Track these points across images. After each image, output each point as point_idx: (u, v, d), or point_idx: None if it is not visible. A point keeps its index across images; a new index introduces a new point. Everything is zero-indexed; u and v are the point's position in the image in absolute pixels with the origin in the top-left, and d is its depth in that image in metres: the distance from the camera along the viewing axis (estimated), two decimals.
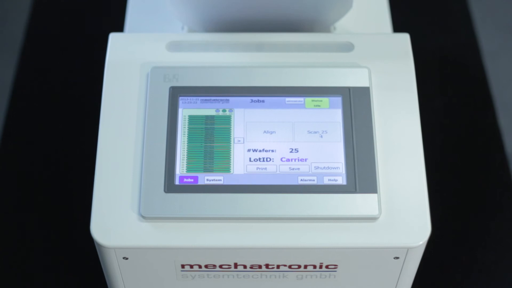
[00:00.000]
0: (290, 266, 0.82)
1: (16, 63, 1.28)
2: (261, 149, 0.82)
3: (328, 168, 0.81)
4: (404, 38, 0.89)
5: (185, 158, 0.81)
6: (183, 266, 0.82)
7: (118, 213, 0.80)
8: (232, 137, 0.82)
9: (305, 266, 0.82)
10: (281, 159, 0.81)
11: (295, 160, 0.81)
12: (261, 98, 0.84)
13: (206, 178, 0.80)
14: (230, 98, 0.84)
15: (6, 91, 1.30)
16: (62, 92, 1.22)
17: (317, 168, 0.81)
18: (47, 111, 1.20)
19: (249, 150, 0.82)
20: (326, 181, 0.80)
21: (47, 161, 1.15)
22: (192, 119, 0.83)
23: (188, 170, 0.81)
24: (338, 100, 0.84)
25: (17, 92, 1.23)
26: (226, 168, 0.81)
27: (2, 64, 1.86)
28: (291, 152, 0.82)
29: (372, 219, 0.79)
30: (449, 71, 1.27)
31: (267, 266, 0.82)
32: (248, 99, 0.84)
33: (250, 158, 0.81)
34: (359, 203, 0.79)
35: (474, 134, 1.20)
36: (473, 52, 1.29)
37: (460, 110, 1.22)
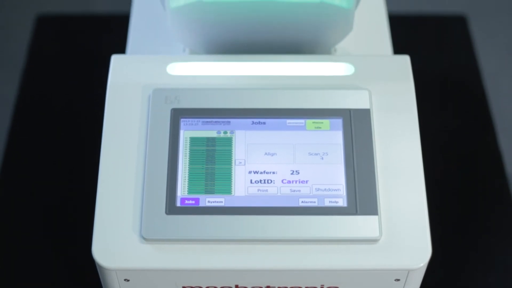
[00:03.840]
0: None
1: (18, 82, 1.28)
2: (262, 171, 0.82)
3: (329, 190, 0.81)
4: (404, 60, 0.90)
5: (186, 180, 0.82)
6: None
7: (120, 235, 0.80)
8: (233, 159, 0.83)
9: None
10: (282, 181, 0.82)
11: (296, 182, 0.82)
12: (262, 120, 0.84)
13: (207, 200, 0.81)
14: (231, 120, 0.84)
15: (8, 111, 1.31)
16: (63, 113, 1.22)
17: (318, 190, 0.81)
18: (48, 131, 1.21)
19: (250, 172, 0.82)
20: (327, 203, 0.81)
21: (48, 181, 1.15)
22: (193, 141, 0.83)
23: (190, 192, 0.81)
24: (338, 122, 0.84)
25: (19, 112, 1.23)
26: (227, 190, 0.81)
27: (4, 83, 1.87)
28: (292, 174, 0.82)
29: (373, 241, 0.80)
30: (449, 92, 1.27)
31: None
32: (249, 121, 0.84)
33: (251, 180, 0.82)
34: (360, 225, 0.80)
35: (475, 155, 1.20)
36: (473, 73, 1.30)
37: (460, 131, 1.22)
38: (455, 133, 1.22)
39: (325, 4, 0.86)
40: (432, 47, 1.33)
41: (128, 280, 0.81)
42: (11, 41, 1.98)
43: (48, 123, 1.21)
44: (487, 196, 1.16)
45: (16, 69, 1.73)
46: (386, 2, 1.07)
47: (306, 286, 0.82)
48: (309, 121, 0.85)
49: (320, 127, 0.84)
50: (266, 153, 0.83)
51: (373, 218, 0.80)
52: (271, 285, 0.82)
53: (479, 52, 1.36)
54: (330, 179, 0.82)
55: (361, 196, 0.81)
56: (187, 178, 0.82)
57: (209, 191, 0.81)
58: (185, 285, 0.82)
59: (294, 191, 0.81)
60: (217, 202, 0.81)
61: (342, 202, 0.81)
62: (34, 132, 1.21)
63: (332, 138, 0.84)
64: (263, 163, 0.83)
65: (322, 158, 0.83)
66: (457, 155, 1.20)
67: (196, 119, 0.84)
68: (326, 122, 0.85)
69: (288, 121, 0.85)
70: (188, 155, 0.83)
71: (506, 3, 2.07)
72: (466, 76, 1.29)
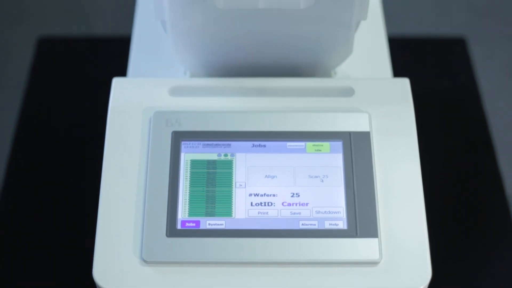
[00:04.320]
0: None
1: (20, 105, 1.29)
2: (263, 193, 0.82)
3: (329, 212, 0.82)
4: (404, 83, 0.90)
5: (187, 202, 0.82)
6: None
7: (120, 257, 0.80)
8: (233, 182, 0.83)
9: None
10: (283, 204, 0.82)
11: (296, 205, 0.82)
12: (262, 143, 0.85)
13: (208, 223, 0.81)
14: (232, 143, 0.85)
15: (9, 133, 1.31)
16: (64, 135, 1.22)
17: (318, 212, 0.82)
18: (49, 154, 1.21)
19: (250, 195, 0.82)
20: (327, 225, 0.81)
21: (49, 203, 1.15)
22: (194, 163, 0.84)
23: (190, 214, 0.81)
24: (338, 144, 0.85)
25: (20, 134, 1.24)
26: (227, 212, 0.81)
27: (6, 105, 1.87)
28: (292, 196, 0.82)
29: (373, 263, 0.80)
30: (449, 114, 1.28)
31: None
32: (250, 143, 0.85)
33: (251, 203, 0.82)
34: (360, 247, 0.80)
35: (475, 176, 1.20)
36: (473, 95, 1.30)
37: (460, 153, 1.23)
38: (455, 155, 1.22)
39: (325, 27, 0.86)
40: (432, 69, 1.33)
41: None
42: (12, 63, 1.99)
43: (49, 146, 1.22)
44: (488, 217, 1.16)
45: (17, 91, 1.74)
46: (385, 25, 1.08)
47: None
48: (309, 144, 0.85)
49: (320, 150, 0.85)
50: (266, 176, 0.83)
51: (373, 241, 0.80)
52: None
53: (478, 74, 1.36)
54: (330, 202, 0.82)
55: (361, 219, 0.81)
56: (187, 200, 0.82)
57: (210, 213, 0.81)
58: None
59: (294, 213, 0.82)
60: (218, 224, 0.81)
61: (342, 224, 0.81)
62: (35, 154, 1.21)
63: (332, 160, 0.84)
64: (263, 185, 0.83)
65: (322, 181, 0.83)
66: (457, 176, 1.20)
67: (196, 142, 0.85)
68: (326, 144, 0.85)
69: (288, 143, 0.85)
70: (188, 177, 0.83)
71: (505, 26, 2.08)
72: (466, 98, 1.30)
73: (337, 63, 0.93)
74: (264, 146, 0.85)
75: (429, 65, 1.34)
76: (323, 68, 0.94)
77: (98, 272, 0.79)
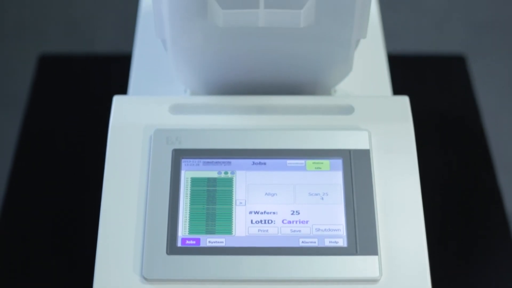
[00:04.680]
0: None
1: (20, 122, 1.29)
2: (263, 211, 0.83)
3: (329, 230, 0.82)
4: (404, 101, 0.90)
5: (187, 220, 0.82)
6: None
7: (121, 275, 0.80)
8: (234, 199, 0.83)
9: None
10: (283, 221, 0.82)
11: (296, 222, 0.82)
12: (262, 161, 0.85)
13: (208, 240, 0.81)
14: (232, 161, 0.85)
15: (10, 150, 1.31)
16: (65, 153, 1.23)
17: (318, 230, 0.82)
18: (50, 171, 1.21)
19: (250, 212, 0.82)
20: (327, 243, 0.81)
21: (50, 220, 1.15)
22: (194, 181, 0.84)
23: (190, 232, 0.81)
24: (338, 162, 0.85)
25: (20, 151, 1.24)
26: (228, 230, 0.82)
27: (7, 122, 1.88)
28: (292, 214, 0.82)
29: (373, 281, 0.80)
30: (449, 131, 1.28)
31: None
32: (250, 161, 0.85)
33: (251, 220, 0.82)
34: (360, 265, 0.80)
35: (474, 194, 1.20)
36: (472, 111, 1.31)
37: (460, 170, 1.23)
38: (455, 172, 1.22)
39: (325, 46, 0.87)
40: (431, 86, 1.34)
41: None
42: (13, 80, 1.99)
43: (50, 162, 1.22)
44: (487, 234, 1.16)
45: (18, 108, 1.74)
46: (385, 43, 1.08)
47: None
48: (309, 162, 0.85)
49: (320, 168, 0.85)
50: (266, 194, 0.84)
51: (373, 258, 0.80)
52: None
53: (478, 92, 1.37)
54: (330, 219, 0.82)
55: (361, 236, 0.81)
56: (188, 218, 0.82)
57: (210, 231, 0.81)
58: None
59: (294, 231, 0.82)
60: (218, 242, 0.81)
61: (342, 242, 0.81)
62: (36, 170, 1.22)
63: (332, 178, 0.84)
64: (263, 203, 0.83)
65: (322, 198, 0.83)
66: (457, 193, 1.20)
67: (197, 160, 0.85)
68: (326, 162, 0.85)
69: (288, 161, 0.85)
70: (189, 195, 0.83)
71: (504, 42, 2.08)
72: (466, 115, 1.30)
73: (336, 81, 0.94)
74: (264, 163, 0.85)
75: (429, 82, 1.34)
76: (323, 86, 0.94)
77: None
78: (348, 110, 0.90)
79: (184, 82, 0.94)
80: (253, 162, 0.85)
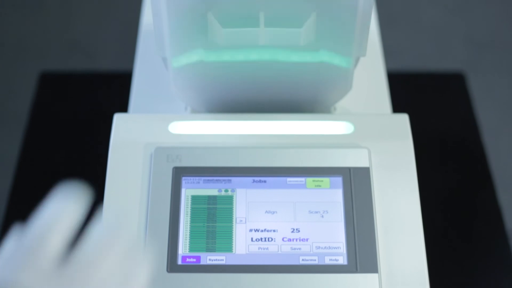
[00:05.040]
0: None
1: (21, 139, 1.29)
2: (263, 229, 0.83)
3: (329, 248, 0.82)
4: (403, 119, 0.91)
5: (188, 238, 0.82)
6: None
7: None
8: (234, 217, 0.83)
9: None
10: (283, 239, 0.82)
11: (296, 240, 0.82)
12: (262, 179, 0.85)
13: (208, 258, 0.81)
14: (232, 178, 0.85)
15: (11, 167, 1.32)
16: (66, 170, 1.23)
17: (318, 248, 0.82)
18: (50, 188, 1.21)
19: (251, 230, 0.82)
20: (327, 261, 0.81)
21: None
22: (194, 199, 0.84)
23: (191, 249, 0.81)
24: (338, 180, 0.85)
25: (21, 168, 1.24)
26: (228, 248, 0.82)
27: (7, 139, 1.88)
28: (292, 232, 0.83)
29: None
30: (449, 149, 1.28)
31: None
32: (250, 179, 0.85)
33: (252, 238, 0.82)
34: (360, 282, 0.80)
35: (475, 211, 1.20)
36: (472, 129, 1.31)
37: (460, 188, 1.23)
38: (455, 190, 1.23)
39: (325, 63, 0.87)
40: (431, 104, 1.34)
41: None
42: (15, 97, 2.00)
43: (50, 180, 1.22)
44: (488, 252, 1.16)
45: (19, 125, 1.74)
46: (385, 61, 1.09)
47: None
48: (309, 179, 0.85)
49: (320, 185, 0.85)
50: (266, 211, 0.84)
51: (373, 276, 0.80)
52: None
53: (477, 109, 1.37)
54: (330, 237, 0.82)
55: (361, 254, 0.81)
56: (188, 236, 0.82)
57: (210, 249, 0.82)
58: None
59: (294, 249, 0.82)
60: (218, 260, 0.81)
61: (342, 260, 0.81)
62: (36, 188, 1.22)
63: (332, 196, 0.84)
64: (263, 221, 0.83)
65: (322, 216, 0.83)
66: (457, 211, 1.20)
67: (197, 178, 0.85)
68: (326, 180, 0.85)
69: (289, 179, 0.85)
70: (189, 213, 0.83)
71: (503, 60, 2.09)
72: (465, 133, 1.30)
73: (336, 99, 0.94)
74: (265, 181, 0.85)
75: (429, 100, 1.35)
76: (323, 104, 0.94)
77: None
78: (348, 128, 0.90)
79: (185, 100, 0.94)
80: (253, 180, 0.85)
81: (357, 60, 0.90)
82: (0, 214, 1.37)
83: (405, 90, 1.34)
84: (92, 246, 0.60)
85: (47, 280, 0.56)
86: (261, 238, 0.82)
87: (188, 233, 0.82)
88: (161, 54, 0.87)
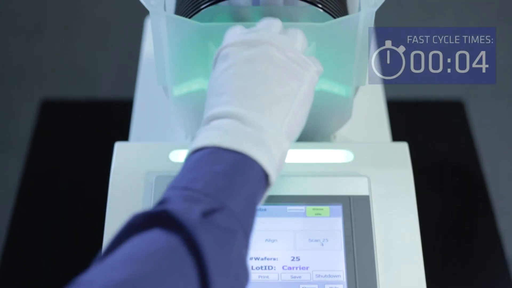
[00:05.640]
0: None
1: (22, 166, 1.29)
2: (263, 257, 0.83)
3: (329, 276, 0.82)
4: (403, 147, 0.91)
5: None
6: None
7: None
8: None
9: None
10: (283, 267, 0.82)
11: (296, 268, 0.82)
12: (263, 207, 0.85)
13: None
14: None
15: (12, 195, 1.32)
16: (66, 198, 1.23)
17: (318, 276, 0.82)
18: (51, 216, 1.21)
19: (251, 258, 0.82)
20: None
21: (51, 264, 1.15)
22: None
23: None
24: (338, 208, 0.85)
25: (22, 196, 1.24)
26: None
27: (9, 166, 1.88)
28: (292, 260, 0.83)
29: None
30: (448, 177, 1.29)
31: None
32: None
33: (252, 266, 0.82)
34: None
35: (474, 238, 1.20)
36: (471, 156, 1.31)
37: (459, 215, 1.23)
38: (455, 217, 1.23)
39: (325, 92, 0.88)
40: (430, 132, 1.34)
41: None
42: (16, 124, 2.00)
43: (51, 208, 1.22)
44: (488, 280, 1.16)
45: (20, 152, 1.75)
46: (384, 89, 1.09)
47: None
48: (309, 208, 0.85)
49: (320, 214, 0.85)
50: (267, 240, 0.84)
51: None
52: None
53: (477, 137, 1.38)
54: (331, 265, 0.82)
55: (361, 282, 0.81)
56: None
57: None
58: None
59: (295, 277, 0.82)
60: None
61: None
62: (37, 216, 1.22)
63: (332, 224, 0.84)
64: (264, 249, 0.83)
65: (323, 245, 0.83)
66: (457, 238, 1.20)
67: None
68: (326, 208, 0.85)
69: (289, 207, 0.85)
70: None
71: (502, 88, 2.10)
72: (465, 161, 1.31)
73: (336, 127, 0.94)
74: (265, 210, 0.85)
75: (428, 128, 1.35)
76: (323, 132, 0.95)
77: None
78: (347, 156, 0.90)
79: (185, 129, 0.95)
80: None
81: (356, 89, 0.91)
82: (1, 241, 1.37)
83: (405, 118, 1.34)
84: None
85: None
86: (261, 267, 0.82)
87: None
88: (162, 83, 0.88)
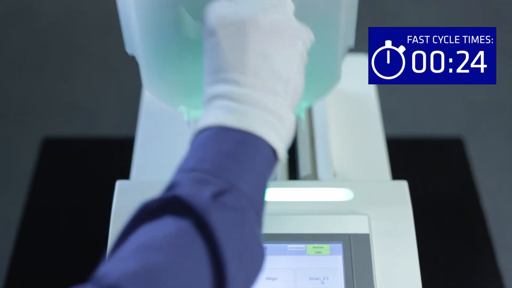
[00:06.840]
0: None
1: (23, 204, 1.30)
2: None
3: None
4: (402, 185, 0.91)
5: None
6: None
7: None
8: None
9: None
10: None
11: None
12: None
13: None
14: None
15: (12, 233, 1.32)
16: (67, 236, 1.23)
17: None
18: (52, 254, 1.21)
19: None
20: None
21: None
22: None
23: None
24: (338, 246, 0.86)
25: (22, 233, 1.24)
26: None
27: (9, 204, 1.88)
28: None
29: None
30: (448, 214, 1.29)
31: None
32: None
33: None
34: None
35: (475, 274, 1.20)
36: (471, 193, 1.31)
37: (460, 253, 1.23)
38: (455, 255, 1.23)
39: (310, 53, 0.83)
40: (430, 169, 1.35)
41: None
42: (17, 162, 2.01)
43: (52, 246, 1.22)
44: None
45: (21, 190, 1.75)
46: (383, 127, 1.10)
47: None
48: (310, 246, 0.86)
49: (320, 252, 0.85)
50: (267, 278, 0.84)
51: None
52: None
53: (477, 174, 1.38)
54: None
55: None
56: None
57: None
58: None
59: None
60: None
61: None
62: (37, 254, 1.22)
63: (332, 262, 0.85)
64: None
65: (323, 283, 0.84)
66: (458, 276, 1.20)
67: None
68: (326, 247, 0.86)
69: (289, 246, 0.86)
70: None
71: (502, 124, 2.11)
72: (465, 198, 1.31)
73: (324, 91, 0.92)
74: (265, 248, 0.85)
75: (427, 165, 1.36)
76: (311, 96, 0.91)
77: None
78: (347, 194, 0.91)
79: (160, 98, 0.92)
80: None
81: (345, 51, 0.89)
82: (1, 277, 1.37)
83: (404, 156, 1.35)
84: None
85: None
86: None
87: None
88: (132, 50, 0.87)
